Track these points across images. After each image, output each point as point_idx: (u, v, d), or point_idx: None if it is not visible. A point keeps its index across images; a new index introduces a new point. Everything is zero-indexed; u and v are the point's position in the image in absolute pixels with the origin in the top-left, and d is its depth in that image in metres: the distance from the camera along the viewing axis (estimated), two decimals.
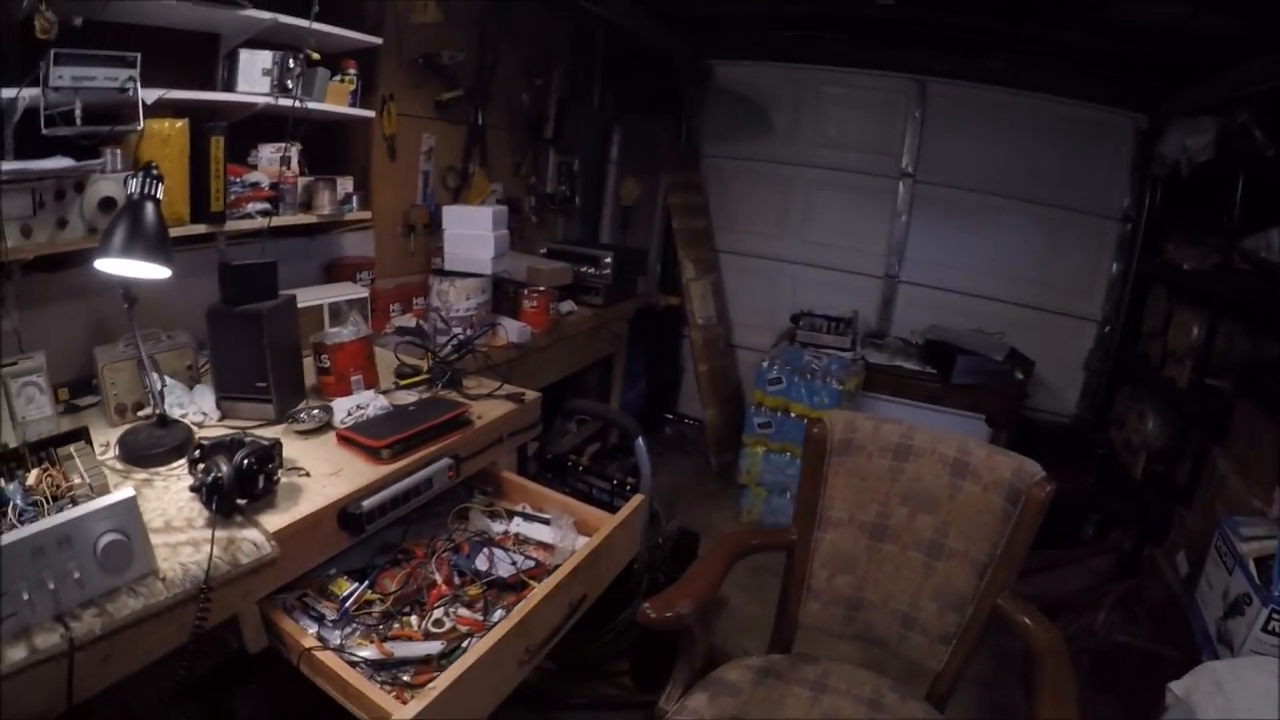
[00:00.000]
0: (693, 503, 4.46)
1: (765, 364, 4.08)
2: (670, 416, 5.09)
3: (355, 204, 2.91)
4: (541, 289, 3.53)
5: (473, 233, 3.27)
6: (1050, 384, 4.77)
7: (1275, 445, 2.70)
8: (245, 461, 1.51)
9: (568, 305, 3.97)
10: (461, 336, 2.90)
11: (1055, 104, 4.47)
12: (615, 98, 4.90)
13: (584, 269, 4.16)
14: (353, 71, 2.78)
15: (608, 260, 4.15)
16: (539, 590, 1.79)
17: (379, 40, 2.81)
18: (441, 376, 2.46)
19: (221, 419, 2.05)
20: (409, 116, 3.33)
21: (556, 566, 1.93)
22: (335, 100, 2.70)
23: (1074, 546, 4.00)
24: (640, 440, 2.94)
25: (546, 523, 2.21)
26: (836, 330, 4.43)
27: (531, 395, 2.51)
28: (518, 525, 2.21)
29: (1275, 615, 2.10)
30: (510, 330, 3.29)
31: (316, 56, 2.53)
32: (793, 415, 4.04)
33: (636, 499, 2.34)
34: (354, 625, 1.71)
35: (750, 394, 4.28)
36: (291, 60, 2.47)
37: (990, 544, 1.93)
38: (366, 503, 1.76)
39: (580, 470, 3.33)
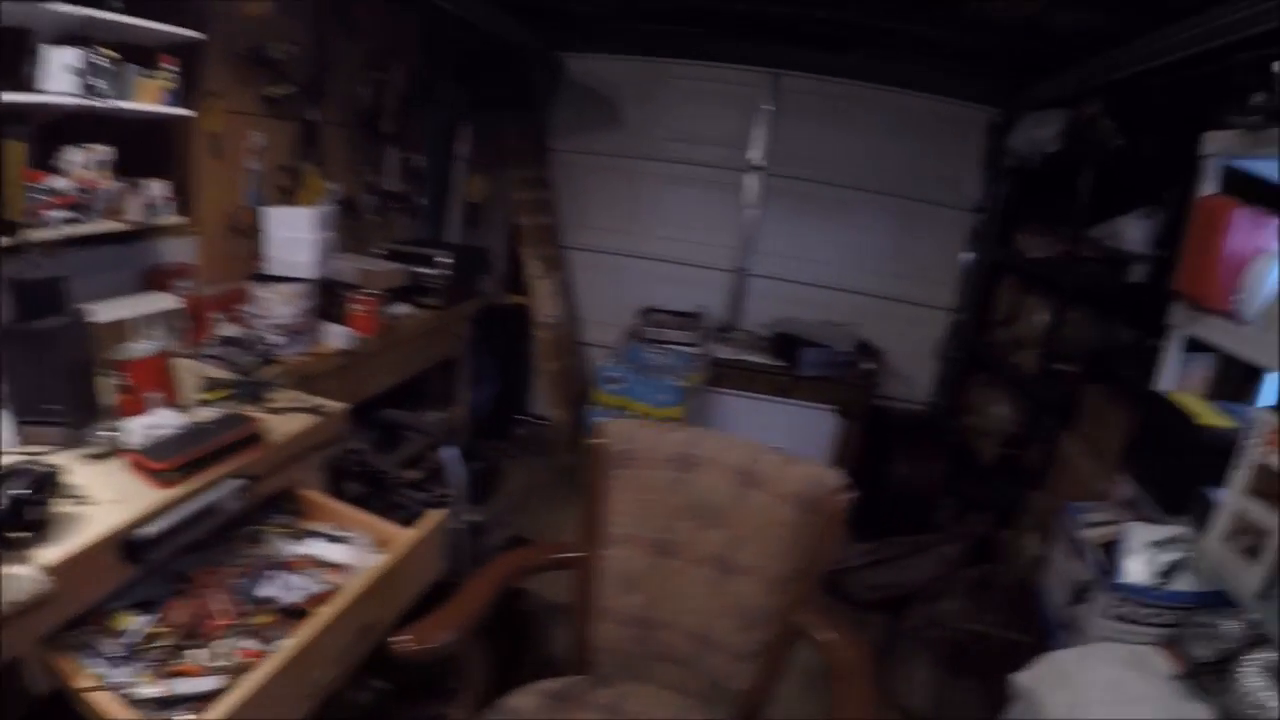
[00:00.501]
0: (542, 507, 4.27)
1: (605, 362, 3.91)
2: (526, 418, 4.89)
3: (167, 209, 2.62)
4: (372, 292, 3.33)
5: (295, 236, 3.05)
6: (904, 373, 4.72)
7: (1120, 429, 2.66)
8: (14, 492, 1.40)
9: (402, 308, 3.75)
10: (263, 347, 2.70)
11: (909, 98, 4.43)
12: (468, 94, 4.68)
13: (420, 270, 3.94)
14: (171, 68, 2.50)
15: (444, 260, 3.93)
16: (319, 617, 1.63)
17: (201, 35, 2.56)
18: (244, 390, 2.27)
19: (23, 444, 1.83)
20: (236, 114, 3.06)
21: None
22: (147, 99, 2.45)
23: (928, 533, 3.96)
24: (450, 449, 2.73)
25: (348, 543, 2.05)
26: (683, 325, 4.29)
27: (334, 407, 2.33)
28: (315, 547, 2.02)
29: (1119, 602, 2.03)
30: (335, 336, 3.09)
31: (114, 54, 2.27)
32: (635, 414, 3.87)
33: (436, 514, 2.17)
34: (142, 662, 1.54)
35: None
36: (97, 57, 2.22)
37: (784, 558, 1.77)
38: (150, 529, 1.60)
39: (398, 484, 3.12)
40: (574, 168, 4.85)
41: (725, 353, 4.27)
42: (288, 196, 3.48)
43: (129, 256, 2.75)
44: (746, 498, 1.81)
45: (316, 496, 2.25)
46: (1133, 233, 3.06)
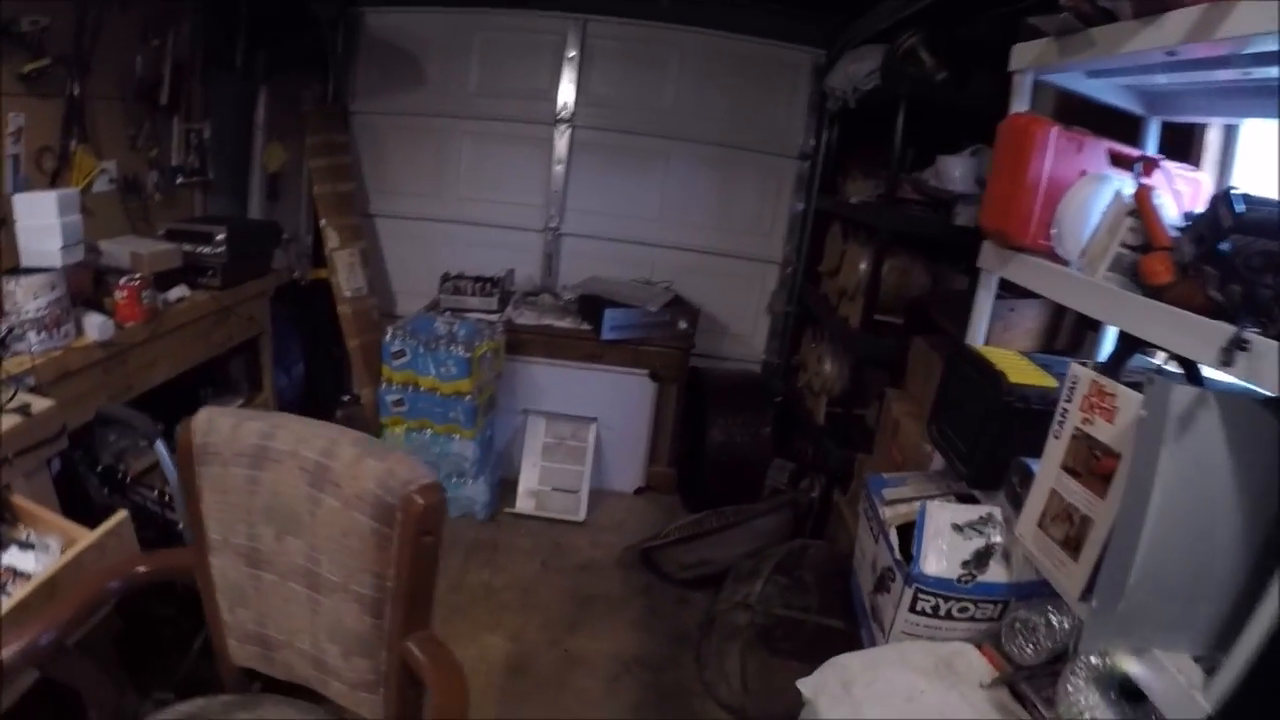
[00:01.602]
0: None
1: (388, 336, 3.53)
2: (346, 398, 4.49)
3: None
4: (134, 277, 2.97)
5: (40, 223, 2.73)
6: (736, 331, 4.41)
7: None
8: None
9: (178, 291, 3.35)
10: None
11: (727, 41, 4.07)
12: (266, 58, 4.23)
13: (198, 249, 3.53)
14: None
15: (220, 237, 3.51)
16: None
17: None
18: None
19: None
20: None
21: None
22: None
23: (756, 502, 3.67)
24: (160, 443, 2.34)
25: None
26: (483, 291, 3.92)
27: (43, 406, 2.18)
28: (9, 556, 1.88)
29: (921, 595, 1.71)
30: (93, 327, 2.77)
31: None
32: (423, 389, 3.52)
33: (118, 514, 1.98)
34: None
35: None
36: None
37: (370, 574, 1.40)
38: None
39: (133, 483, 2.77)
40: (376, 130, 4.40)
41: (527, 318, 3.91)
42: (55, 179, 3.13)
43: None
44: (320, 501, 1.43)
45: (24, 502, 2.06)
46: (957, 171, 2.77)
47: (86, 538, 1.89)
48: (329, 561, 1.44)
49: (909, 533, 1.82)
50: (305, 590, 1.49)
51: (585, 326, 3.84)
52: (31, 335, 2.61)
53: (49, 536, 1.98)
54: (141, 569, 1.71)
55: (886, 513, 1.96)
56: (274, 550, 1.52)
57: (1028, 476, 1.59)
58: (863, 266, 3.22)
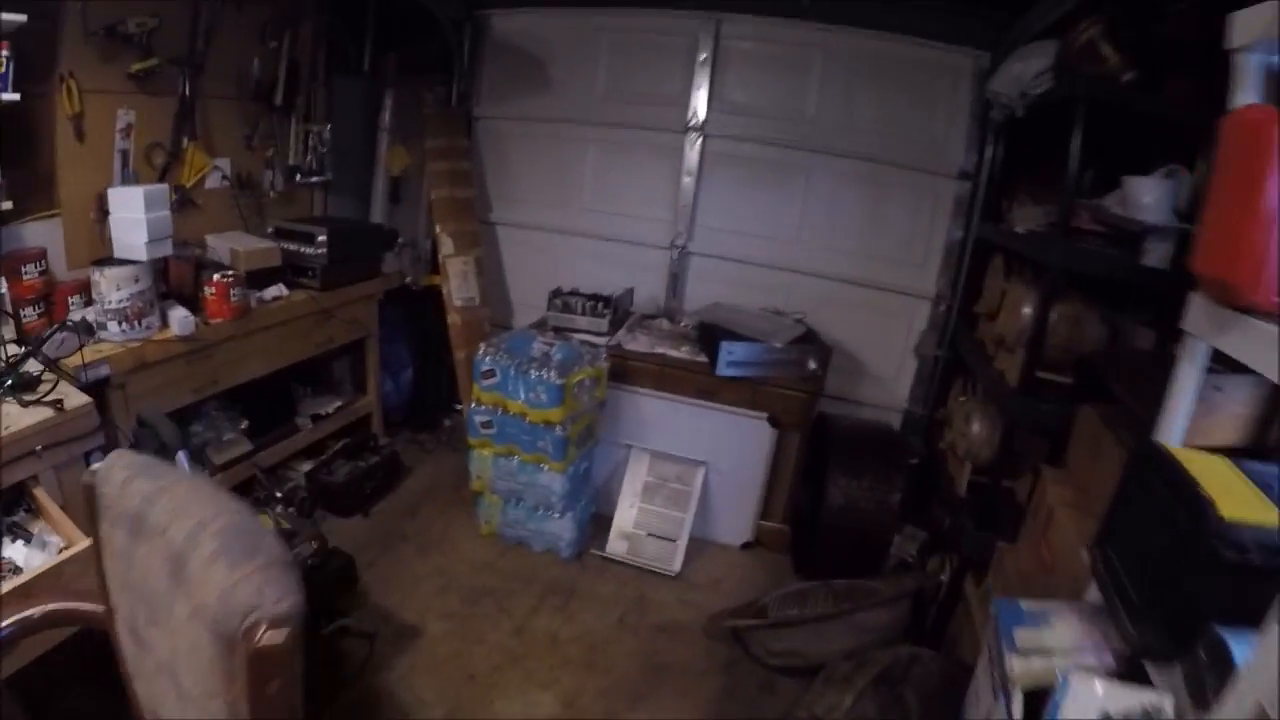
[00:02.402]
0: (438, 510, 3.60)
1: (480, 353, 3.17)
2: (458, 407, 4.19)
3: None
4: (225, 274, 2.93)
5: (129, 216, 2.70)
6: (877, 373, 3.77)
7: (1119, 467, 1.61)
8: None
9: (274, 290, 3.26)
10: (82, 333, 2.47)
11: (877, 41, 3.48)
12: (394, 61, 4.06)
13: (301, 249, 3.39)
14: (4, 53, 2.34)
15: (321, 238, 3.34)
16: None
17: (20, 18, 2.33)
18: (7, 378, 2.12)
19: None
20: (99, 93, 2.81)
21: None
22: None
23: (876, 576, 3.07)
24: (183, 454, 2.09)
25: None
26: (594, 311, 3.50)
27: (78, 401, 2.14)
28: (9, 549, 1.87)
29: None
30: (175, 321, 2.75)
31: None
32: (511, 413, 3.13)
33: None
34: None
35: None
36: None
37: (223, 702, 0.98)
38: None
39: None
40: (499, 136, 4.10)
41: (638, 343, 3.45)
42: (164, 175, 3.16)
43: None
44: (175, 599, 1.02)
45: (43, 496, 2.03)
46: (1149, 197, 2.09)
47: (75, 546, 1.81)
48: (185, 672, 1.06)
49: (1040, 700, 1.25)
50: (173, 690, 1.12)
51: (701, 359, 3.35)
52: (113, 325, 2.62)
53: (54, 535, 1.94)
54: (33, 614, 1.42)
55: (1015, 664, 1.36)
56: (148, 636, 1.16)
57: (1225, 659, 1.00)
58: (1026, 311, 2.56)
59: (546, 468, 3.14)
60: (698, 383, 3.30)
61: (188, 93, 3.14)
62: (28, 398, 2.10)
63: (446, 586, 3.13)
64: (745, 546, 3.50)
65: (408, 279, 3.95)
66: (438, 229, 3.84)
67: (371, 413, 3.97)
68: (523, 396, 3.05)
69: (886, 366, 3.75)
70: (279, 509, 3.22)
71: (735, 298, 3.76)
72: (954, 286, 3.57)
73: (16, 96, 2.44)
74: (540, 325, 3.59)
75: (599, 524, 3.46)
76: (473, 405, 3.24)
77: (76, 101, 2.74)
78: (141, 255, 2.70)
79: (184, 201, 3.27)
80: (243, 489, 3.28)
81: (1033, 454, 2.66)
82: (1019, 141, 3.25)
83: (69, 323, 2.59)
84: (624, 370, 3.37)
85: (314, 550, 2.71)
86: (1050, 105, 2.61)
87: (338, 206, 4.04)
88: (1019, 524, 2.37)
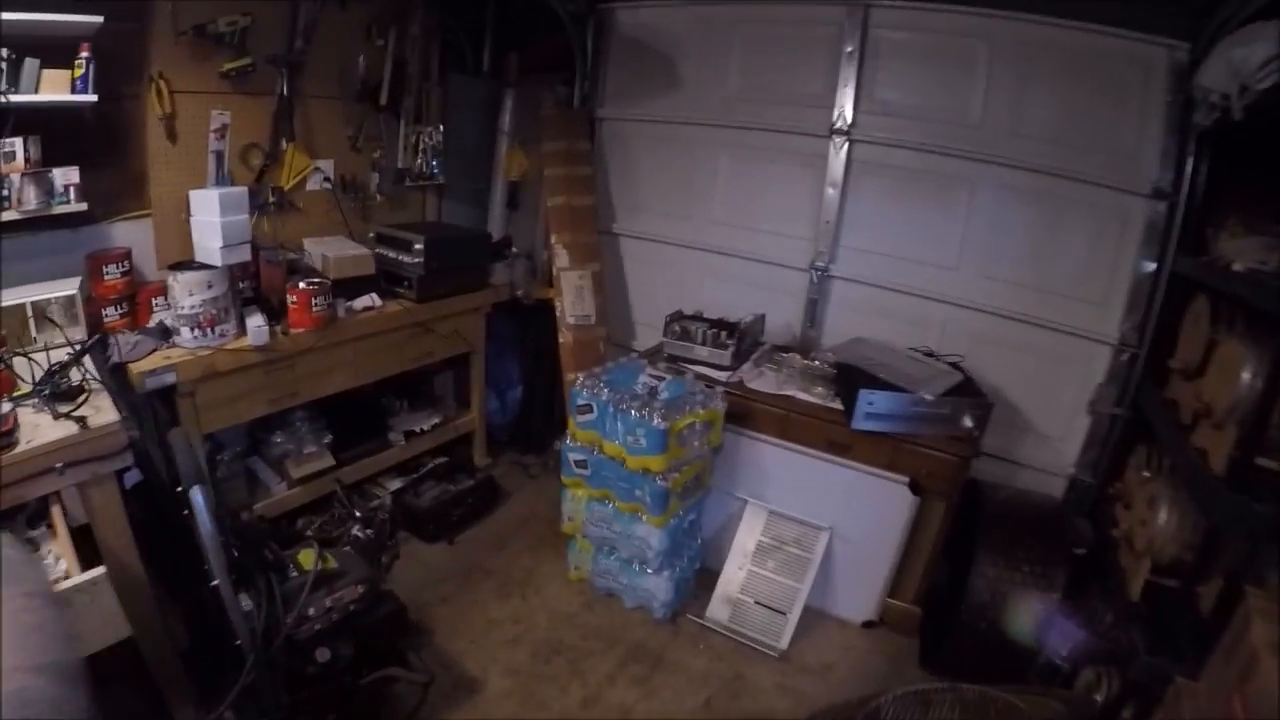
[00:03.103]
0: (528, 546, 3.23)
1: (578, 383, 2.74)
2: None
3: (73, 195, 2.39)
4: (311, 282, 2.71)
5: (206, 219, 2.56)
6: (1041, 429, 3.09)
7: None
8: None
9: (365, 300, 3.00)
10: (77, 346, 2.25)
11: (1053, 30, 2.78)
12: (520, 60, 3.70)
13: (398, 256, 3.12)
14: (85, 55, 2.30)
15: (419, 246, 3.04)
16: None
17: (96, 19, 2.28)
18: (48, 390, 2.00)
19: None
20: (192, 93, 2.73)
21: None
22: (55, 89, 2.30)
23: (1018, 682, 2.46)
24: (196, 490, 1.78)
25: None
26: (717, 340, 3.00)
27: (104, 420, 1.95)
28: None
29: None
30: (250, 330, 2.58)
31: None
32: (607, 455, 2.70)
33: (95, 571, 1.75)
34: None
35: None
36: None
37: None
38: None
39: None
40: (624, 139, 3.66)
41: (764, 382, 2.93)
42: (261, 176, 3.01)
43: (79, 241, 2.55)
44: None
45: (57, 517, 1.90)
46: None
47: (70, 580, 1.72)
48: None
49: None
50: None
51: (836, 405, 2.80)
52: (185, 331, 2.48)
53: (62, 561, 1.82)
54: None
55: None
56: None
57: None
58: (1245, 376, 1.91)
59: (644, 519, 2.70)
60: (830, 434, 2.75)
61: (285, 92, 2.95)
62: (63, 408, 1.95)
63: (519, 638, 2.77)
64: (867, 625, 2.94)
65: (519, 292, 3.59)
66: (553, 239, 3.46)
67: (474, 431, 3.65)
68: (621, 438, 2.61)
69: (1053, 423, 3.06)
70: (354, 530, 2.95)
71: (882, 331, 3.18)
72: (1141, 332, 2.84)
73: (94, 98, 2.36)
74: (655, 353, 3.14)
75: (704, 580, 2.99)
76: (567, 440, 2.83)
77: (167, 102, 2.64)
78: (216, 260, 2.54)
79: (282, 204, 3.09)
80: (324, 503, 3.06)
81: (1232, 562, 2.02)
82: (1229, 152, 2.54)
83: (147, 327, 2.50)
84: (745, 412, 2.86)
85: (359, 595, 2.39)
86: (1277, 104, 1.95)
87: (452, 212, 3.74)
88: (1205, 649, 1.74)
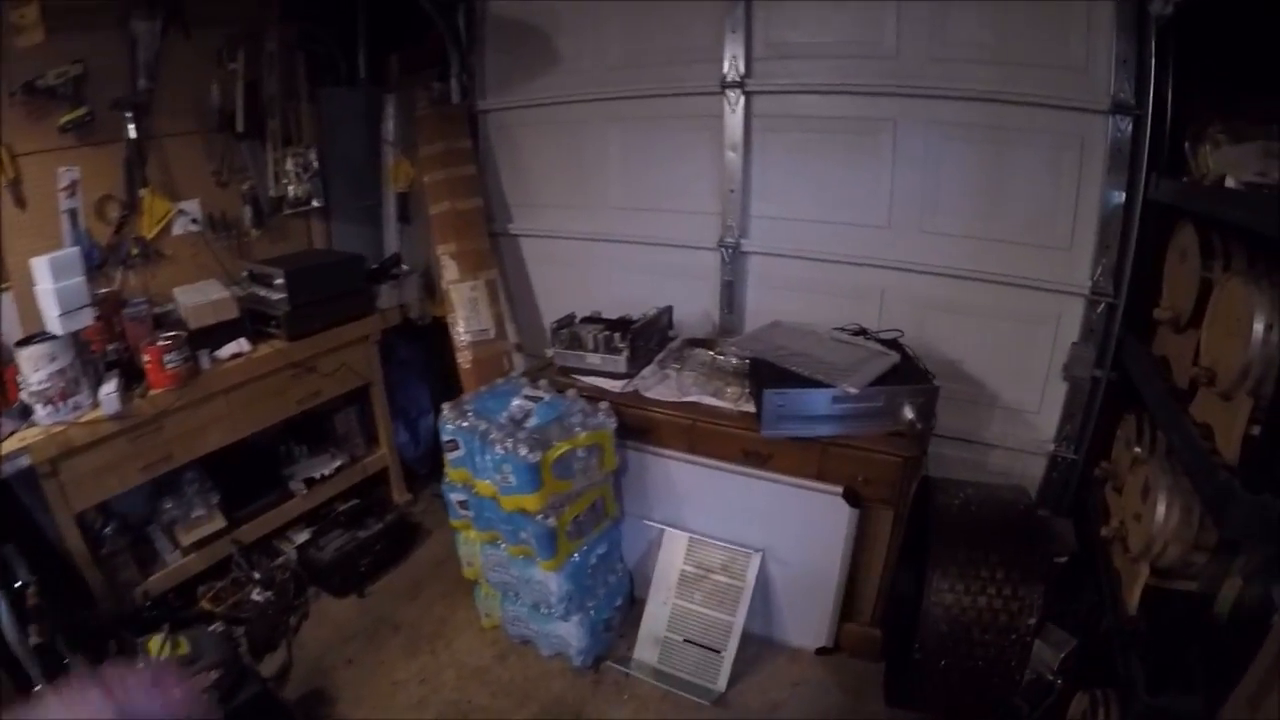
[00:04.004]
0: (442, 592, 2.78)
1: (444, 415, 2.27)
2: None
3: None
4: (162, 338, 2.34)
5: (44, 287, 2.16)
6: (1009, 402, 2.50)
7: None
8: None
9: (233, 347, 2.57)
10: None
11: None
12: (399, 63, 3.23)
13: (266, 294, 2.69)
14: None
15: (279, 281, 2.61)
16: None
17: None
18: None
19: None
20: (34, 154, 2.39)
21: None
22: None
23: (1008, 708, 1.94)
24: None
25: None
26: (609, 345, 2.49)
27: None
28: None
29: None
30: (103, 400, 2.22)
31: None
32: (482, 495, 2.21)
33: None
34: None
35: None
36: None
37: None
38: None
39: None
40: (510, 130, 3.12)
41: (664, 389, 2.38)
42: (121, 228, 2.63)
43: None
44: None
45: None
46: None
47: None
48: None
49: None
50: None
51: (749, 408, 2.26)
52: (39, 408, 2.15)
53: None
54: None
55: None
56: None
57: None
58: (1258, 329, 1.30)
59: (539, 564, 2.23)
60: (744, 443, 2.20)
61: (134, 135, 2.54)
62: None
63: (425, 700, 2.32)
64: (821, 652, 2.40)
65: (412, 313, 3.13)
66: (438, 250, 2.96)
67: (387, 468, 3.19)
68: (490, 476, 2.13)
69: (1025, 394, 2.46)
70: (254, 594, 2.57)
71: (813, 309, 2.61)
72: (1117, 278, 2.22)
73: None
74: (543, 368, 2.63)
75: (637, 613, 2.48)
76: (445, 480, 2.37)
77: (10, 167, 2.33)
78: (57, 329, 2.16)
79: (148, 254, 2.67)
80: (224, 567, 2.65)
81: (1234, 565, 1.45)
82: (1197, 48, 1.94)
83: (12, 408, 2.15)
84: (645, 425, 2.33)
85: (214, 681, 1.98)
86: None
87: (344, 235, 3.26)
88: (1225, 687, 1.22)
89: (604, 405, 2.22)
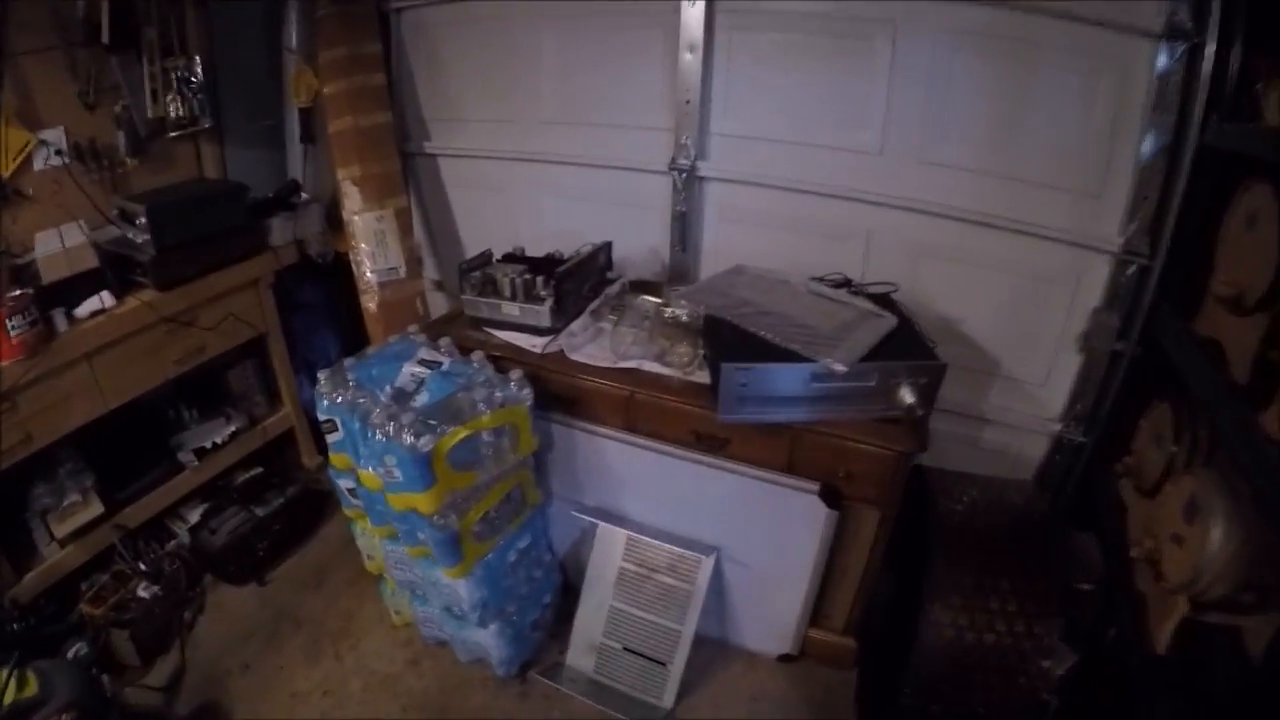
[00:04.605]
0: (349, 579, 2.34)
1: (321, 384, 1.78)
2: None
3: None
4: (9, 299, 1.81)
5: None
6: (1014, 372, 2.06)
7: None
8: None
9: (92, 303, 2.03)
10: None
11: None
12: None
13: (133, 237, 2.12)
14: None
15: (141, 221, 2.04)
16: None
17: None
18: None
19: None
20: None
21: None
22: None
23: None
24: None
25: None
26: (528, 292, 1.96)
27: None
28: None
29: None
30: None
31: None
32: (370, 489, 1.75)
33: None
34: None
35: None
36: None
37: None
38: None
39: None
40: (427, 30, 2.46)
41: (596, 348, 1.88)
42: None
43: None
44: None
45: None
46: None
47: None
48: None
49: None
50: None
51: (701, 377, 1.81)
52: None
53: None
54: None
55: None
56: None
57: None
58: None
59: (442, 570, 1.80)
60: (695, 422, 1.74)
61: None
62: None
63: (328, 716, 1.92)
64: (784, 659, 2.04)
65: (312, 250, 2.58)
66: (339, 175, 2.39)
67: (293, 428, 2.70)
68: (374, 467, 1.67)
69: (1030, 364, 2.02)
70: (140, 589, 2.13)
71: (782, 251, 2.11)
72: (1154, 236, 1.75)
73: None
74: (452, 320, 2.12)
75: (570, 605, 2.07)
76: (329, 464, 1.90)
77: None
78: None
79: (5, 195, 2.05)
80: (109, 558, 2.16)
81: None
82: None
83: None
84: (575, 395, 1.85)
85: None
86: None
87: (240, 160, 2.62)
88: None
89: (516, 375, 1.73)
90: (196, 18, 2.41)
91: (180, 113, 2.40)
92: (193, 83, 2.40)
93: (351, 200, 2.37)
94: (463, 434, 1.58)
